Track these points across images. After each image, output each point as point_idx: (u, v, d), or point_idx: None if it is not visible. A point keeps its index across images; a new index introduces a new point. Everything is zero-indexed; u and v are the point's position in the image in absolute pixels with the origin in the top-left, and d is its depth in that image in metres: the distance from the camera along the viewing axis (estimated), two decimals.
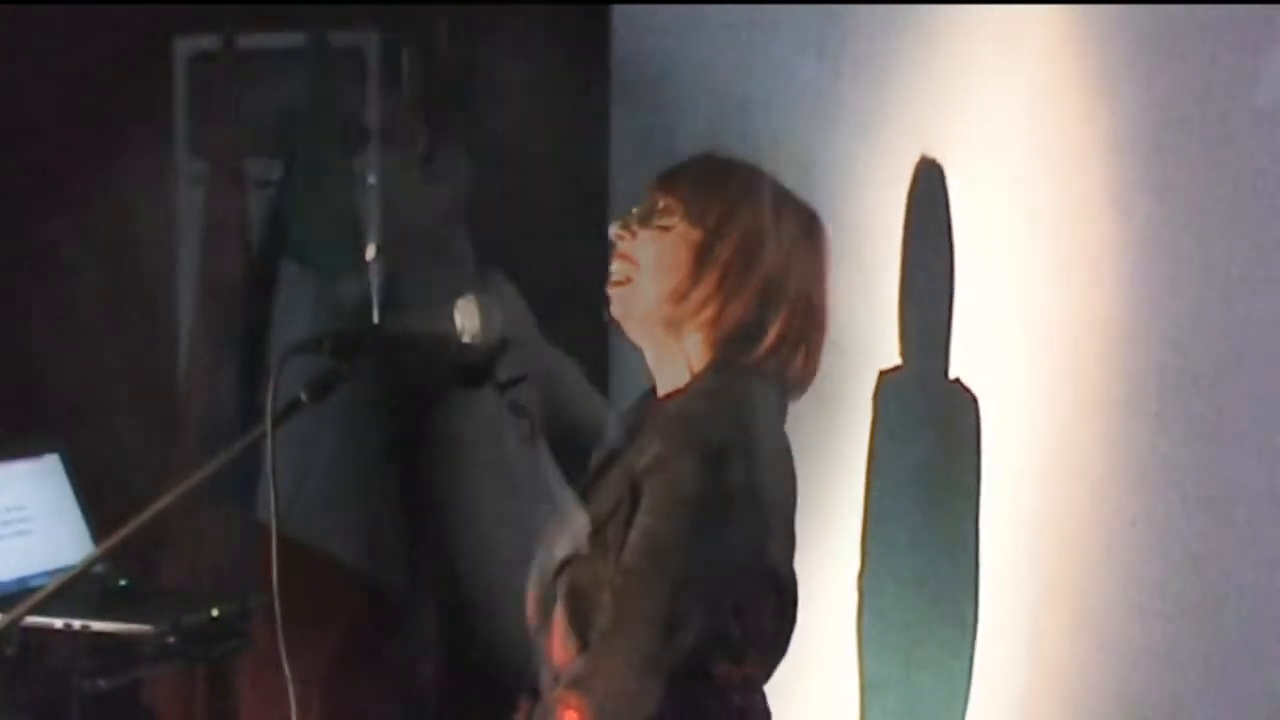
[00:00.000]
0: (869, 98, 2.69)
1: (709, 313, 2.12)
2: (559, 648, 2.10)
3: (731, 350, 2.12)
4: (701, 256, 2.12)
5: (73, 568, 2.37)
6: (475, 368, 2.26)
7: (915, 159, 2.47)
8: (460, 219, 3.55)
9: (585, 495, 2.18)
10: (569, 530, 2.14)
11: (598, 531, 2.09)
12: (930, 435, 2.45)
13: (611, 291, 2.17)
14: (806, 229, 2.17)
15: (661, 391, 2.18)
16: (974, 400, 2.34)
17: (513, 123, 3.63)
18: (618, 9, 3.89)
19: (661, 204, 2.15)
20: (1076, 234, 2.11)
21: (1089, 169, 2.07)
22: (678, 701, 2.01)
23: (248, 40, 3.98)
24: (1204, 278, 1.84)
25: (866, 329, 2.54)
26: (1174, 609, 1.90)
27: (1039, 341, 2.21)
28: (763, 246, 2.12)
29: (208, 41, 4.04)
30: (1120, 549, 2.03)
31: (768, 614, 2.09)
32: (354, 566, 3.58)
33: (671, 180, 2.18)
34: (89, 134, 4.08)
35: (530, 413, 3.48)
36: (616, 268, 2.17)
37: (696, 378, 2.13)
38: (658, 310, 2.13)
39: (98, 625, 2.74)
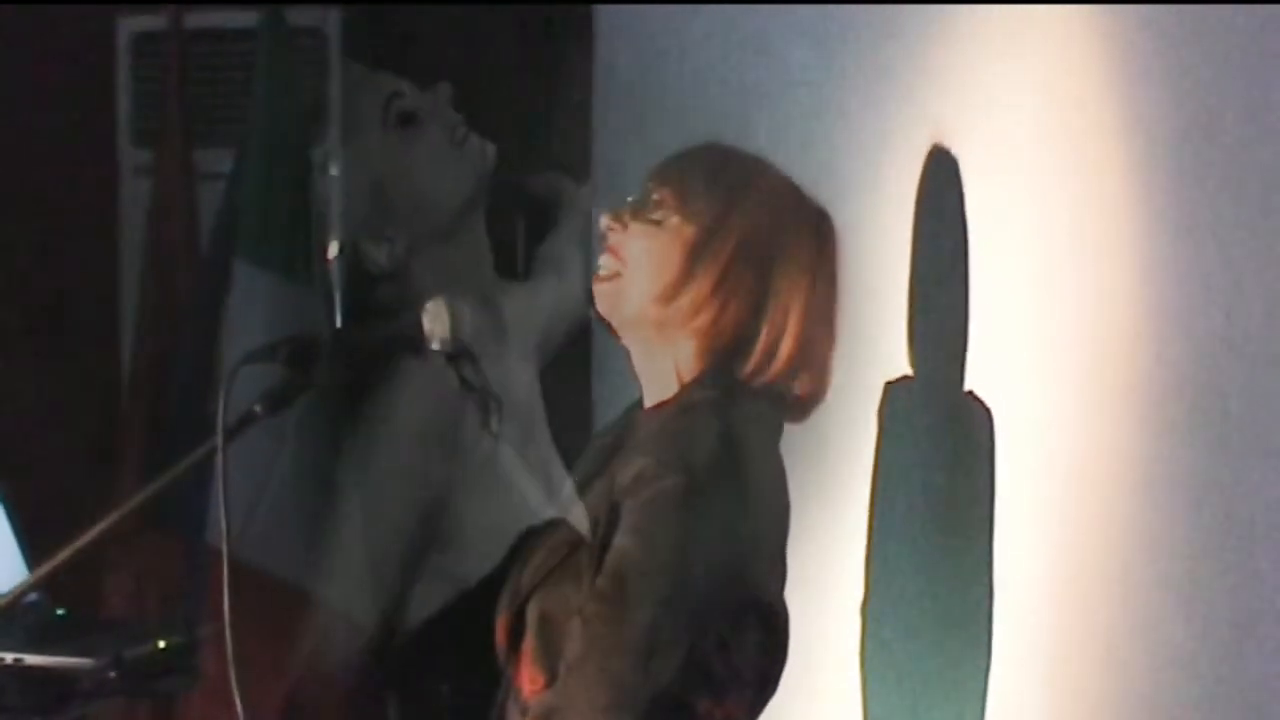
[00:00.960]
0: (869, 89, 2.70)
1: (703, 319, 2.10)
2: (526, 680, 2.09)
3: (726, 361, 2.11)
4: (695, 255, 2.10)
5: (3, 596, 2.37)
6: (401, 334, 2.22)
7: (920, 152, 2.47)
8: (481, 204, 3.58)
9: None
10: (541, 550, 2.13)
11: (571, 554, 2.08)
12: (940, 452, 2.45)
13: (597, 287, 2.15)
14: (815, 229, 2.15)
15: (649, 402, 2.17)
16: (988, 414, 2.34)
17: (493, 122, 3.65)
18: (601, 9, 3.91)
19: (655, 196, 2.13)
20: (1095, 238, 2.12)
21: (1108, 167, 2.08)
22: None
23: (197, 19, 3.97)
24: (1232, 286, 1.85)
25: (871, 336, 2.55)
26: (1202, 638, 1.91)
27: (1054, 353, 2.21)
28: (765, 247, 2.10)
29: (153, 20, 4.04)
30: (1144, 574, 2.03)
31: (753, 648, 2.08)
32: (313, 593, 3.57)
33: (667, 171, 2.16)
34: (21, 121, 4.08)
35: (492, 393, 3.51)
36: (604, 262, 2.16)
37: (685, 389, 2.12)
38: (646, 312, 2.12)
39: (32, 659, 2.73)
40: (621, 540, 2.02)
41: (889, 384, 2.53)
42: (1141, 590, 2.04)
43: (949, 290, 2.41)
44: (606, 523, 2.04)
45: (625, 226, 2.14)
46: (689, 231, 2.11)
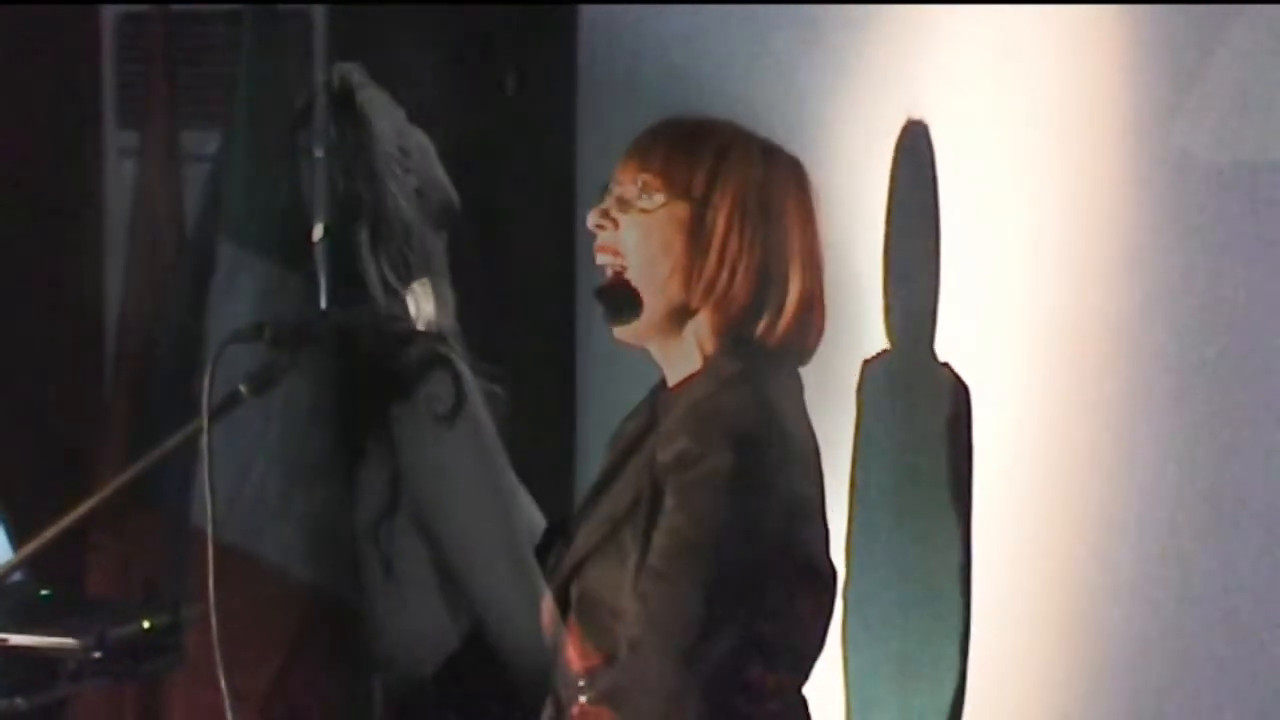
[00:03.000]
0: (857, 84, 2.70)
1: (716, 292, 2.10)
2: (577, 656, 2.10)
3: (742, 326, 2.11)
4: (695, 232, 2.10)
5: None
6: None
7: (904, 118, 2.48)
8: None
9: (599, 492, 2.18)
10: (581, 530, 2.13)
11: (613, 532, 2.08)
12: (915, 428, 2.46)
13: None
14: (797, 179, 2.15)
15: (673, 380, 2.16)
16: (964, 386, 2.34)
17: (478, 121, 3.66)
18: (585, 9, 3.90)
19: (640, 182, 2.12)
20: (1081, 218, 2.12)
21: (1095, 149, 2.08)
22: (713, 712, 2.01)
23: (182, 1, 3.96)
24: (1216, 269, 1.85)
25: (857, 317, 2.55)
26: (1178, 615, 1.92)
27: (1038, 333, 2.22)
28: (756, 206, 2.10)
29: (138, 3, 4.03)
30: (1123, 554, 2.04)
31: (804, 613, 2.09)
32: (298, 575, 3.57)
33: (645, 153, 2.14)
34: (6, 103, 4.06)
35: (498, 372, 3.51)
36: (602, 261, 2.14)
37: (710, 361, 2.12)
38: (659, 299, 2.11)
39: (17, 639, 2.73)
40: (672, 520, 2.02)
41: (866, 362, 2.53)
42: (1121, 569, 2.05)
43: (921, 257, 2.42)
44: (650, 501, 2.05)
45: (616, 223, 2.12)
46: (683, 210, 2.10)
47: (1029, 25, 2.23)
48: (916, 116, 2.44)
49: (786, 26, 2.94)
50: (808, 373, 2.20)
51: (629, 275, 2.12)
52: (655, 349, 2.17)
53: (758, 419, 2.05)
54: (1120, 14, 2.04)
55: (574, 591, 2.12)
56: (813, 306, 2.13)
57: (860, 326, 2.54)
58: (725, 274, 2.09)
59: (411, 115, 3.65)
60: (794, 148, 2.18)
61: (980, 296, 2.39)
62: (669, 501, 2.03)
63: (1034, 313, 2.25)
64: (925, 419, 2.43)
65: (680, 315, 2.13)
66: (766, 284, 2.10)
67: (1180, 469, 1.94)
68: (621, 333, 2.15)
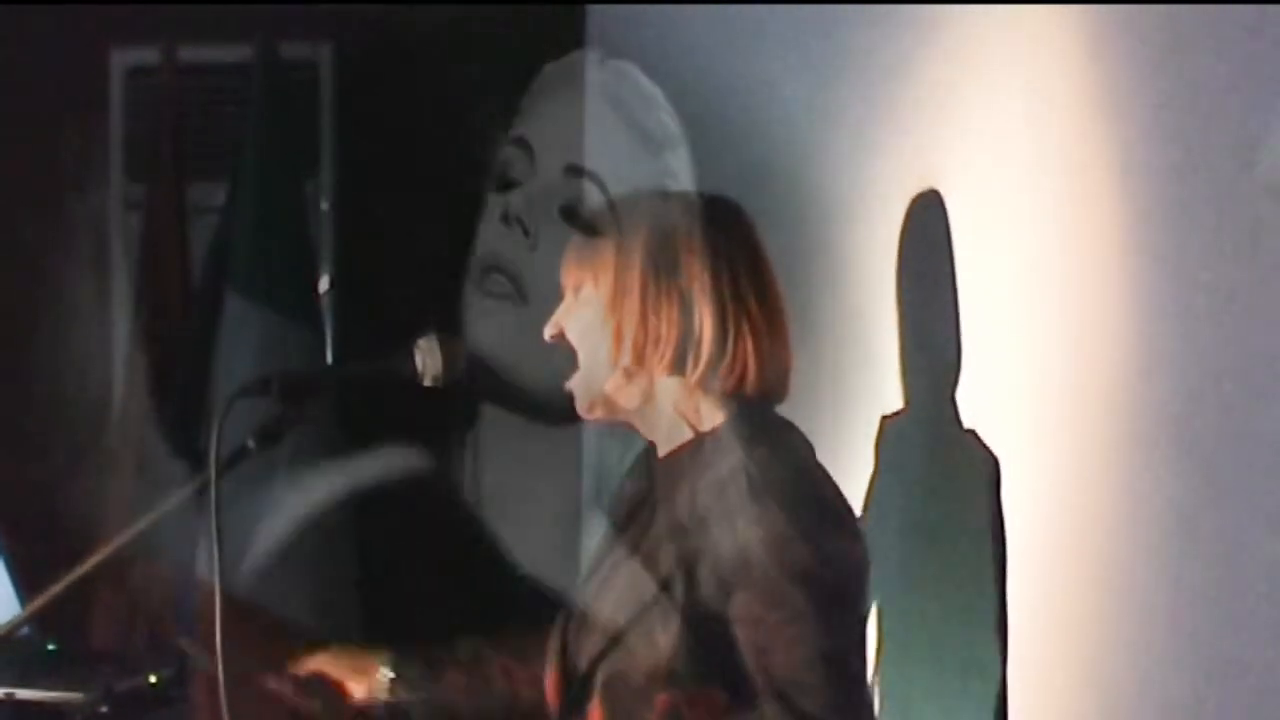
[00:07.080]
0: (861, 121, 2.72)
1: (661, 350, 2.12)
2: None
3: (713, 376, 2.12)
4: (613, 305, 2.13)
5: None
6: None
7: (910, 177, 2.49)
8: None
9: (606, 566, 2.17)
10: (602, 616, 2.13)
11: (641, 615, 2.08)
12: (930, 488, 2.46)
13: (570, 386, 2.19)
14: (708, 222, 2.14)
15: (664, 449, 2.17)
16: (990, 455, 2.34)
17: (484, 127, 3.67)
18: (592, 9, 3.94)
19: (570, 281, 2.18)
20: (1083, 264, 2.14)
21: (1098, 195, 2.10)
22: None
23: (190, 53, 4.00)
24: (1219, 315, 1.87)
25: (864, 363, 2.56)
26: (1189, 671, 1.93)
27: (1040, 384, 2.23)
28: (663, 261, 2.13)
29: (146, 53, 4.07)
30: (1126, 610, 2.05)
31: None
32: (305, 628, 3.59)
33: (566, 267, 2.21)
34: (14, 153, 4.10)
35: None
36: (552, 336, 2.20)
37: (709, 432, 2.12)
38: (611, 377, 2.15)
39: (23, 693, 2.74)
40: (749, 610, 2.03)
41: (884, 419, 2.54)
42: (1127, 622, 2.05)
43: (939, 325, 2.43)
44: (683, 581, 2.06)
45: (560, 325, 2.19)
46: (605, 290, 2.14)
47: (1034, 67, 2.25)
48: (929, 184, 2.46)
49: (794, 24, 2.96)
50: (822, 431, 2.21)
51: (581, 369, 2.16)
52: (638, 423, 2.19)
53: (796, 484, 2.06)
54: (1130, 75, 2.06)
55: (600, 675, 2.11)
56: (763, 341, 2.14)
57: (874, 376, 2.55)
58: (649, 341, 2.12)
59: (420, 151, 3.68)
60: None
61: (977, 352, 2.40)
62: (742, 595, 2.03)
63: (1031, 368, 2.26)
64: (943, 483, 2.42)
65: (641, 385, 2.15)
66: (691, 333, 2.12)
67: (1183, 526, 1.95)
68: (588, 413, 2.18)
